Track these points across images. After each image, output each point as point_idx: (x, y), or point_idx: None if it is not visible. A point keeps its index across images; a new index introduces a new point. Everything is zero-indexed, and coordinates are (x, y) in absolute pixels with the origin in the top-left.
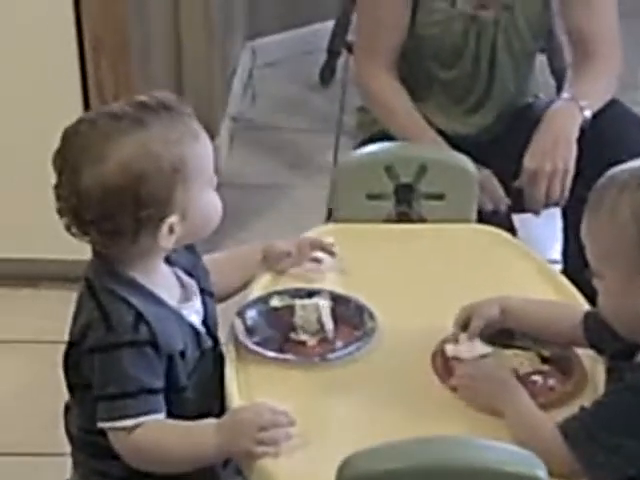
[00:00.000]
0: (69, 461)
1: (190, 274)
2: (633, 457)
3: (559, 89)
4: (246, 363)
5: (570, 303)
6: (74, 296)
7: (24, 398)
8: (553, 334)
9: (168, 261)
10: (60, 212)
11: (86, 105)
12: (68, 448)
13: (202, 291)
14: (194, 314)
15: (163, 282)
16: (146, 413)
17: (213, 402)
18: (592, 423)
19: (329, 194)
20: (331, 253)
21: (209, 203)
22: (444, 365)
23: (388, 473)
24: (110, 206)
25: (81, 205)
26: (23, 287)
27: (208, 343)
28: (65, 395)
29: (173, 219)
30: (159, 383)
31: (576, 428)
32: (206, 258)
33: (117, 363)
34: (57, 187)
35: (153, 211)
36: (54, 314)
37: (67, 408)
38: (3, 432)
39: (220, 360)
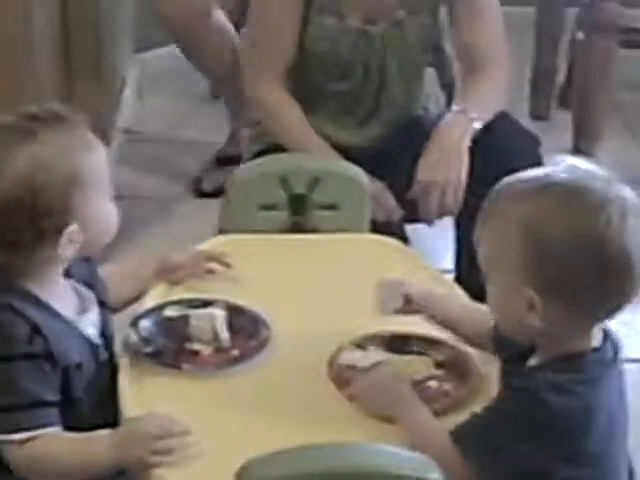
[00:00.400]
0: None
1: (88, 285)
2: (521, 460)
3: (449, 102)
4: (141, 373)
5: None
6: None
7: None
8: (464, 334)
9: (66, 273)
10: None
11: None
12: None
13: (100, 303)
14: (91, 326)
15: (60, 294)
16: (40, 426)
17: (109, 414)
18: (481, 427)
19: (221, 205)
20: (225, 264)
21: (107, 213)
22: (340, 373)
23: (284, 478)
24: (9, 219)
25: None
26: None
27: (104, 355)
28: None
29: (72, 228)
30: (54, 396)
31: (466, 433)
32: (101, 270)
33: (10, 375)
34: None
35: (52, 221)
36: None
37: None
38: None
39: (116, 372)
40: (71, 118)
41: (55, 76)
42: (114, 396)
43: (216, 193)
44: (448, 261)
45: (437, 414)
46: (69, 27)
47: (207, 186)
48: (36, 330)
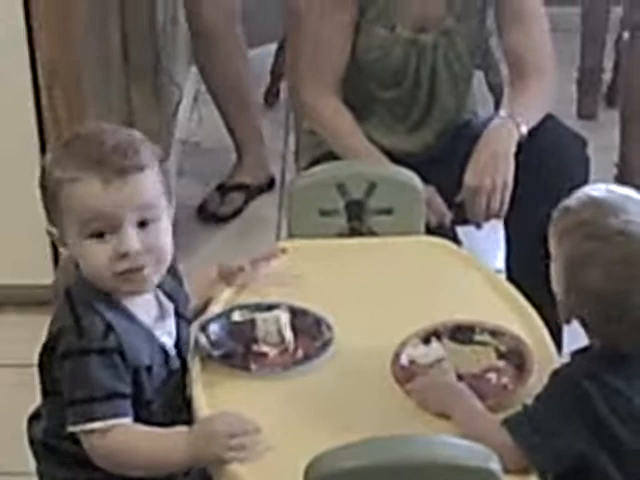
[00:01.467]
0: None
1: (170, 298)
2: (570, 441)
3: (497, 103)
4: (211, 375)
5: None
6: (37, 320)
7: None
8: None
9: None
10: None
11: (41, 135)
12: (27, 466)
13: (178, 315)
14: (166, 335)
15: (140, 301)
16: (114, 416)
17: (178, 419)
18: (530, 414)
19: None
20: (283, 251)
21: (85, 251)
22: (402, 370)
23: (351, 471)
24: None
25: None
26: None
27: (176, 364)
28: (23, 416)
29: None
30: (126, 389)
31: (516, 421)
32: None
33: (86, 368)
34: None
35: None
36: (18, 339)
37: (31, 419)
38: None
39: (185, 383)
40: (105, 149)
41: (115, 93)
42: (184, 404)
43: None
44: (499, 261)
45: (493, 408)
46: (127, 43)
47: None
48: (110, 328)
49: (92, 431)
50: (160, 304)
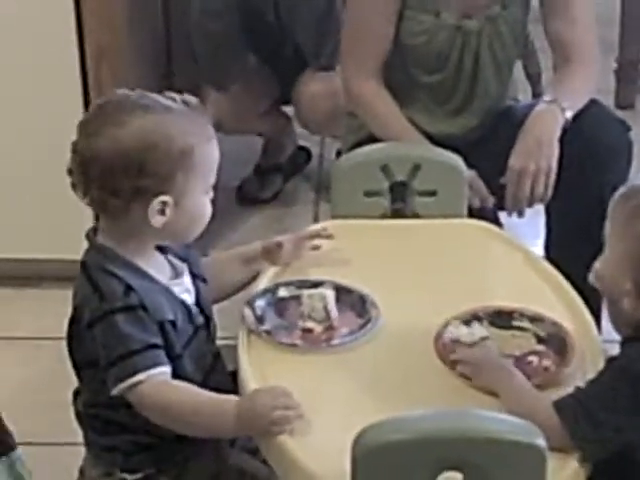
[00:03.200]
0: (76, 450)
1: (180, 258)
2: (619, 431)
3: (534, 92)
4: (257, 349)
5: None
6: None
7: (29, 391)
8: None
9: (160, 249)
10: (70, 170)
11: (87, 108)
12: (77, 437)
13: (193, 275)
14: (185, 292)
15: (153, 262)
16: (154, 365)
17: (208, 377)
18: (584, 399)
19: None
20: (328, 236)
21: (201, 205)
22: (445, 348)
23: (399, 443)
24: (116, 166)
25: (91, 160)
26: (26, 287)
27: (200, 320)
28: (68, 387)
29: (167, 199)
30: (158, 340)
31: (569, 404)
32: (209, 258)
33: (115, 328)
34: (75, 142)
35: (151, 183)
36: (55, 312)
37: (75, 394)
38: (14, 423)
39: (212, 339)
40: (200, 110)
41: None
42: (212, 361)
43: None
44: (539, 248)
45: (537, 388)
46: (170, 28)
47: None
48: (129, 287)
49: (137, 384)
50: (172, 265)
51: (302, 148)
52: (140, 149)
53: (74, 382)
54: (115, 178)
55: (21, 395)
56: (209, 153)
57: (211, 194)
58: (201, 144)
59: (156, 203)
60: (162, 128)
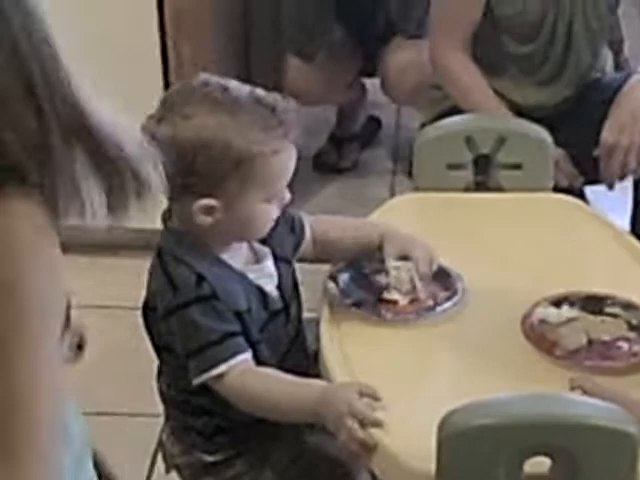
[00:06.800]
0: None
1: (264, 242)
2: None
3: (616, 61)
4: (340, 323)
5: None
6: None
7: (106, 360)
8: None
9: None
10: None
11: (166, 77)
12: (154, 408)
13: (276, 258)
14: (265, 277)
15: (228, 247)
16: (233, 355)
17: (283, 360)
18: None
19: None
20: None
21: (258, 212)
22: (533, 327)
23: (486, 428)
24: (170, 157)
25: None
26: (103, 255)
27: (278, 305)
28: (144, 357)
29: (213, 202)
30: (235, 327)
31: None
32: (318, 218)
33: (191, 320)
34: (143, 125)
35: (198, 183)
36: (132, 281)
37: (158, 374)
38: (92, 392)
39: (290, 322)
40: (284, 118)
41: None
42: (290, 345)
43: None
44: (624, 223)
45: (623, 371)
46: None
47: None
48: (202, 277)
49: (220, 376)
50: (253, 249)
51: (372, 118)
52: (194, 146)
53: (150, 353)
54: (167, 167)
55: (98, 365)
56: (276, 165)
57: (280, 199)
58: (267, 155)
59: (200, 204)
60: (223, 131)
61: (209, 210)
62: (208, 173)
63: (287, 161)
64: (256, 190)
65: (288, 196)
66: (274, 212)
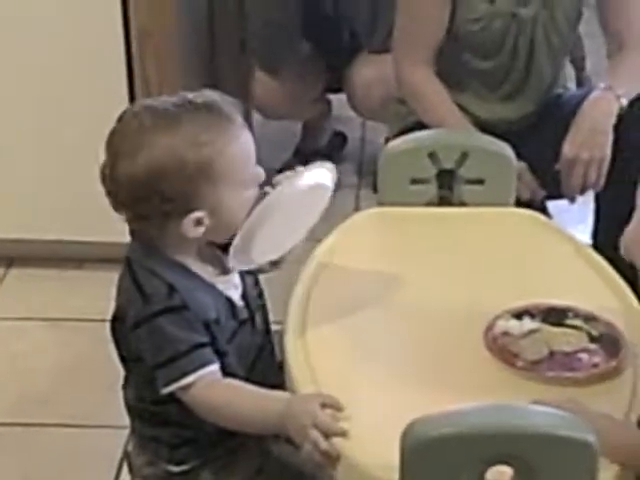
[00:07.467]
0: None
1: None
2: None
3: (578, 78)
4: (305, 332)
5: None
6: (117, 277)
7: (72, 372)
8: None
9: (208, 244)
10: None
11: (131, 96)
12: (120, 420)
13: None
14: (232, 288)
15: (198, 259)
16: (202, 366)
17: (251, 370)
18: None
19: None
20: None
21: (242, 202)
22: (495, 340)
23: (448, 437)
24: (138, 196)
25: (116, 189)
26: (69, 268)
27: (244, 315)
28: (110, 369)
29: (200, 214)
30: (203, 338)
31: None
32: None
33: (160, 331)
34: (102, 169)
35: (177, 205)
36: (98, 294)
37: (124, 386)
38: (57, 404)
39: (257, 331)
40: (221, 109)
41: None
42: (256, 354)
43: None
44: (585, 236)
45: (583, 383)
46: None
47: None
48: (172, 288)
49: (187, 387)
50: (220, 260)
51: (338, 133)
52: (153, 177)
53: (116, 365)
54: (140, 206)
55: (64, 377)
56: (235, 152)
57: (255, 180)
58: (222, 149)
59: (188, 220)
60: (171, 151)
61: (198, 222)
62: (179, 194)
63: (244, 144)
64: (230, 185)
65: (262, 172)
66: (254, 193)
